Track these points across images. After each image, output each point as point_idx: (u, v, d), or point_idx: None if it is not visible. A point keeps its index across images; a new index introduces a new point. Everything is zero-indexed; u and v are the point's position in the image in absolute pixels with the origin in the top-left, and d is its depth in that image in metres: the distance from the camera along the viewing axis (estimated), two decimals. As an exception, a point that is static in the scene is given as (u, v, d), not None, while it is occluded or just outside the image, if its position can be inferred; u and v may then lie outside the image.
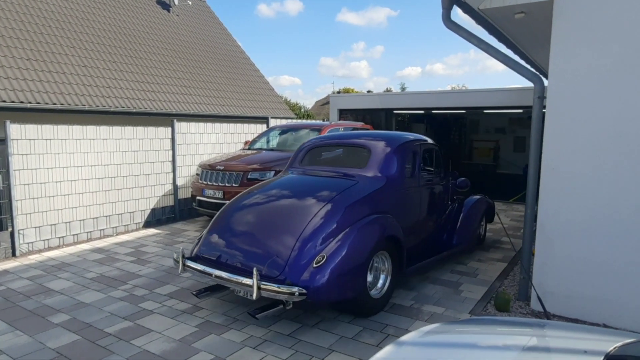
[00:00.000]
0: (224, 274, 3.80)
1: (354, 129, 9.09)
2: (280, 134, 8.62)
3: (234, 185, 7.00)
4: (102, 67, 11.77)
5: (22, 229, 6.13)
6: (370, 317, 4.07)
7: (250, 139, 9.41)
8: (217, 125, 9.04)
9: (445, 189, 5.65)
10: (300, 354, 3.41)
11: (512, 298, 4.48)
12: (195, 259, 4.20)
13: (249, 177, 6.92)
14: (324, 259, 3.60)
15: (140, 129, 7.62)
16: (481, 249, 6.44)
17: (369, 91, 26.89)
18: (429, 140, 5.44)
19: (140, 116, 11.58)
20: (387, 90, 36.17)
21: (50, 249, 6.38)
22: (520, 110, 10.47)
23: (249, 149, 8.41)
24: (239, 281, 3.67)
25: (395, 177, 4.59)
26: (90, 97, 10.65)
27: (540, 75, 4.43)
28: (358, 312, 4.04)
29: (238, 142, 9.42)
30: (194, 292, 4.21)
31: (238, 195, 4.76)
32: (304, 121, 11.63)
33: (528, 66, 6.54)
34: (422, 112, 12.48)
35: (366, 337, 3.69)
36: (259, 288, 3.49)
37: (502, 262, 5.87)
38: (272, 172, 6.87)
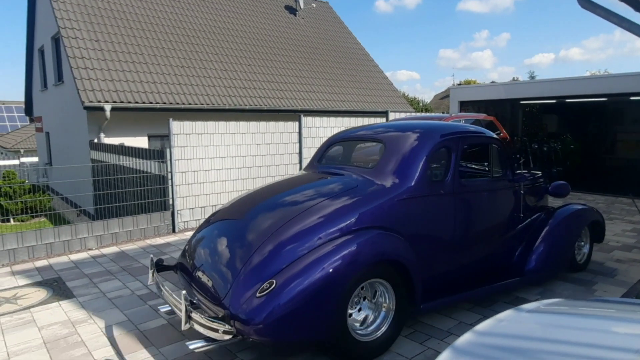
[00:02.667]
0: (167, 293, 3.16)
1: (476, 121, 8.86)
2: (399, 127, 8.77)
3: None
4: (239, 70, 13.20)
5: (180, 210, 7.32)
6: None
7: (369, 132, 9.74)
8: (339, 119, 9.56)
9: (514, 196, 4.32)
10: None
11: (656, 300, 4.08)
12: (176, 269, 3.75)
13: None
14: (272, 287, 2.75)
15: (271, 124, 8.47)
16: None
17: (492, 82, 25.34)
18: (485, 133, 4.24)
19: (271, 113, 12.74)
20: (514, 80, 33.53)
21: (200, 227, 7.52)
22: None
23: (368, 141, 8.73)
24: (175, 304, 3.00)
25: (413, 182, 3.47)
26: (230, 98, 12.06)
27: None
28: (339, 357, 3.13)
29: (358, 136, 9.83)
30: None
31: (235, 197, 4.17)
32: (424, 114, 11.60)
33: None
34: (553, 101, 11.52)
35: (485, 323, 3.75)
36: (188, 317, 2.82)
37: (648, 264, 5.30)
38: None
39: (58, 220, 10.87)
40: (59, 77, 12.45)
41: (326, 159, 4.43)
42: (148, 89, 10.83)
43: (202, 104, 11.33)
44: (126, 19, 12.19)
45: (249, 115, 12.35)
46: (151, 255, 3.74)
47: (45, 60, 14.03)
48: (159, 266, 3.69)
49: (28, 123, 26.10)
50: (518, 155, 11.68)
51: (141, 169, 7.79)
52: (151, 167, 7.49)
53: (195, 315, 2.82)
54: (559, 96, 10.89)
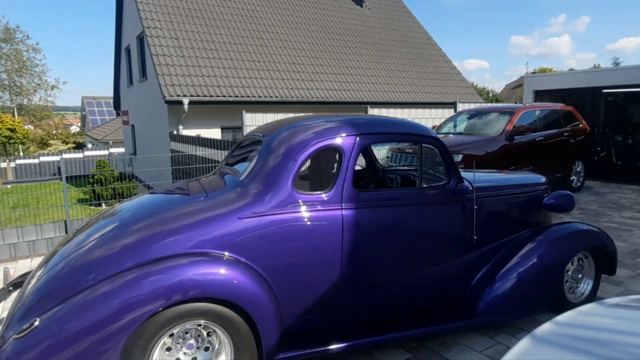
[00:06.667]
0: None
1: (552, 111, 8.44)
2: (468, 118, 8.60)
3: (422, 167, 7.34)
4: (307, 63, 13.51)
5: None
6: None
7: (437, 123, 9.63)
8: (406, 111, 9.53)
9: (460, 211, 3.24)
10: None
11: None
12: None
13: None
14: (32, 328, 2.18)
15: (339, 116, 8.64)
16: None
17: (571, 69, 23.66)
18: (415, 129, 3.17)
19: (337, 105, 12.93)
20: (595, 67, 31.08)
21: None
22: None
23: (436, 133, 8.64)
24: None
25: (269, 195, 2.67)
26: (297, 90, 12.40)
27: None
28: None
29: (425, 127, 9.74)
30: None
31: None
32: (494, 104, 11.20)
33: None
34: (642, 90, 10.61)
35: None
36: None
37: None
38: (460, 156, 7.00)
39: (142, 205, 11.83)
40: (143, 74, 13.49)
41: (230, 160, 3.61)
42: (222, 83, 11.44)
43: (271, 97, 11.77)
44: (202, 17, 12.90)
45: (315, 107, 12.62)
46: (4, 267, 3.34)
47: (131, 59, 15.25)
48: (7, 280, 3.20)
49: (116, 117, 28.44)
50: (599, 149, 10.94)
51: (216, 159, 8.30)
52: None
53: None
54: (648, 84, 10.01)
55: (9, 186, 19.80)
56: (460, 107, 9.87)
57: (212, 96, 11.03)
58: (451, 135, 8.11)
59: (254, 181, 2.75)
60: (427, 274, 3.14)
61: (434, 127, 9.36)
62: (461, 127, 8.59)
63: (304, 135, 2.86)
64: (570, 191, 8.51)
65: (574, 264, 3.69)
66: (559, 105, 8.80)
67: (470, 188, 3.27)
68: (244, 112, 7.59)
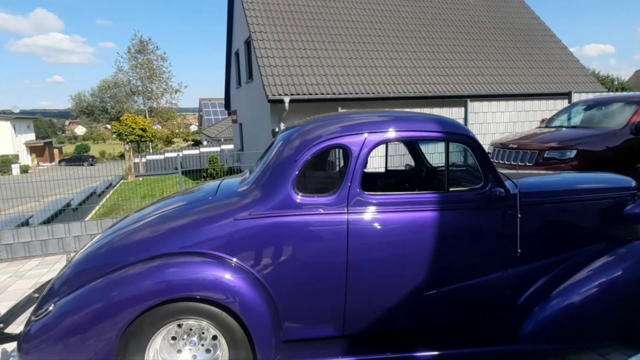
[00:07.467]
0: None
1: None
2: (585, 110, 7.78)
3: (527, 164, 6.87)
4: (404, 57, 13.33)
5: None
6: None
7: (547, 116, 8.87)
8: (511, 103, 8.94)
9: (499, 220, 2.78)
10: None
11: None
12: None
13: (545, 156, 6.65)
14: (46, 312, 2.41)
15: (435, 110, 8.42)
16: None
17: None
18: (438, 125, 2.81)
19: (434, 99, 12.56)
20: None
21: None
22: None
23: (546, 126, 7.99)
24: None
25: (268, 197, 2.56)
26: (394, 86, 12.31)
27: None
28: None
29: (533, 121, 9.04)
30: None
31: None
32: (618, 94, 9.93)
33: None
34: None
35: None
36: None
37: None
38: (574, 152, 6.39)
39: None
40: (250, 75, 14.50)
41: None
42: (320, 82, 11.83)
43: (368, 93, 11.85)
44: (302, 18, 13.44)
45: (412, 103, 12.39)
46: (67, 252, 3.55)
47: (239, 62, 16.48)
48: None
49: (226, 116, 30.95)
50: None
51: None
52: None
53: None
54: None
55: (140, 179, 22.78)
56: (576, 97, 8.96)
57: (310, 94, 11.46)
58: (564, 128, 7.43)
59: (256, 182, 2.67)
60: (451, 289, 2.76)
61: (543, 120, 8.64)
62: (576, 120, 7.81)
63: (308, 134, 2.70)
64: None
65: None
66: (702, 92, 7.54)
67: (513, 193, 2.81)
68: (339, 109, 7.79)
